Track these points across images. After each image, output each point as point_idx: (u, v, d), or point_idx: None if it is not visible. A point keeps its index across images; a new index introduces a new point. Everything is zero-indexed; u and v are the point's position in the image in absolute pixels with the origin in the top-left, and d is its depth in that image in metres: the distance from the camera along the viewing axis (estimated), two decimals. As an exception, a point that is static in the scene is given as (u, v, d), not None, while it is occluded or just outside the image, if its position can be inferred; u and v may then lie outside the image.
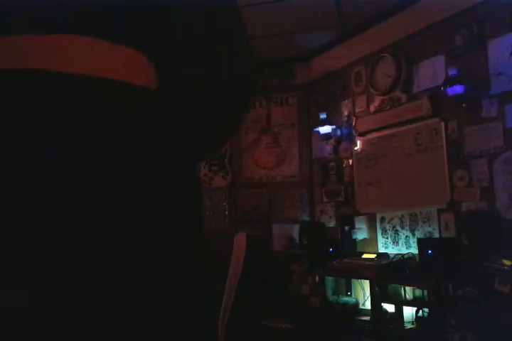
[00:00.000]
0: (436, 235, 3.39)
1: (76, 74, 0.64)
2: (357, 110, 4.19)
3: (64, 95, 0.63)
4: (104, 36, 0.66)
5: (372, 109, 4.02)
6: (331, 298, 3.91)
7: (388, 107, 3.85)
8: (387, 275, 3.27)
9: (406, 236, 3.64)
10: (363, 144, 4.11)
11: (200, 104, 0.77)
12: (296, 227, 4.40)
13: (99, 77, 0.65)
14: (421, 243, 3.26)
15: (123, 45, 0.68)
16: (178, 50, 0.74)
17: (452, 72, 3.22)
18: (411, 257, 3.36)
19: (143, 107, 0.69)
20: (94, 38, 0.66)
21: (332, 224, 4.36)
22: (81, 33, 0.65)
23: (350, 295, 3.93)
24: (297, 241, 4.34)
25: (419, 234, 3.52)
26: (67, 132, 0.63)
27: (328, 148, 4.44)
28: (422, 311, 3.08)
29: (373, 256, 3.61)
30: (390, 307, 3.40)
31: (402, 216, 3.67)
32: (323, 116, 4.33)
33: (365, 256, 3.68)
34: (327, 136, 4.33)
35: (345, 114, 4.30)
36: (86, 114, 0.64)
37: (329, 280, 3.95)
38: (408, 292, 3.32)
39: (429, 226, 3.46)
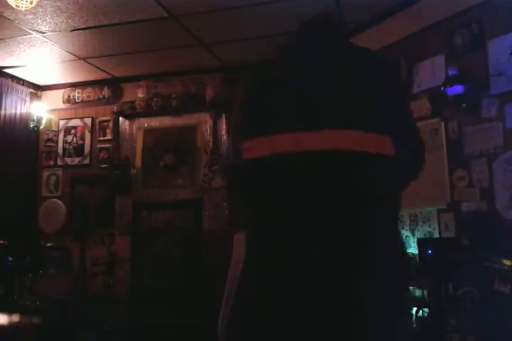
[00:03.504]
0: (436, 235, 3.39)
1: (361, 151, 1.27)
2: (357, 110, 4.18)
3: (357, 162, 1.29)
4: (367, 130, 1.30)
5: (372, 109, 4.01)
6: (331, 298, 3.90)
7: (388, 107, 3.84)
8: (387, 275, 3.25)
9: (406, 236, 3.64)
10: (363, 144, 4.10)
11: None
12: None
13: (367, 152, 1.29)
14: (421, 243, 3.26)
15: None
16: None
17: (452, 72, 3.22)
18: (411, 257, 3.36)
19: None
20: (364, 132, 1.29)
21: (332, 224, 4.35)
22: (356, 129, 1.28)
23: (350, 295, 3.92)
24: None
25: (419, 234, 3.52)
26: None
27: (328, 148, 4.44)
28: (422, 311, 3.08)
29: (373, 256, 3.60)
30: (390, 307, 3.39)
31: (402, 216, 3.67)
32: (323, 116, 4.32)
33: (365, 256, 3.67)
34: (327, 136, 4.32)
35: (345, 114, 4.29)
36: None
37: (329, 280, 3.94)
38: (408, 292, 3.32)
39: (429, 226, 3.46)
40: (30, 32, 4.21)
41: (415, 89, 3.64)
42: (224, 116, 5.02)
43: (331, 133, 1.28)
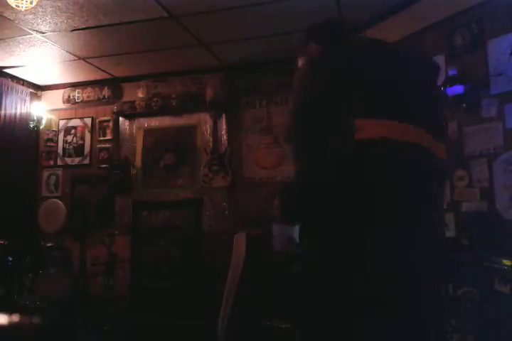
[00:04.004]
0: (436, 235, 3.39)
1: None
2: (357, 110, 4.18)
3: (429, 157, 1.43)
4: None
5: (372, 109, 4.01)
6: (331, 297, 3.89)
7: (388, 107, 3.84)
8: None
9: (406, 236, 3.64)
10: (363, 144, 4.09)
11: None
12: (296, 227, 4.39)
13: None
14: (421, 243, 3.25)
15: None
16: None
17: (452, 72, 3.22)
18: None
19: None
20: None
21: (332, 224, 4.34)
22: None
23: (350, 295, 3.91)
24: (297, 241, 4.33)
25: (419, 234, 3.51)
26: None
27: (328, 148, 4.43)
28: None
29: (373, 256, 3.59)
30: (390, 307, 3.38)
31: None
32: (323, 116, 4.31)
33: (365, 256, 3.66)
34: (327, 136, 4.31)
35: (345, 114, 4.28)
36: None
37: (329, 280, 3.94)
38: (408, 292, 3.31)
39: (429, 226, 3.46)
40: (30, 32, 4.21)
41: (415, 89, 3.64)
42: (224, 116, 5.02)
43: (422, 131, 1.41)
